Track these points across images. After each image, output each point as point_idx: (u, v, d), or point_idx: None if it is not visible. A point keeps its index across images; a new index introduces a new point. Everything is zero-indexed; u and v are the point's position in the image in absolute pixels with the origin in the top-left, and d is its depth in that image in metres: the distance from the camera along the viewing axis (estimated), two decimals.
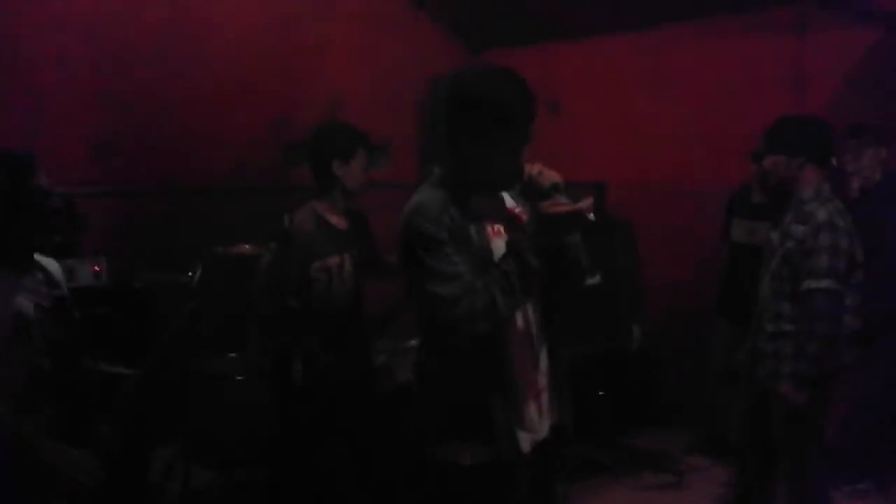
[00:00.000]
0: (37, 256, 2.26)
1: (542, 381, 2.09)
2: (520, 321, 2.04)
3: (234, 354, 3.78)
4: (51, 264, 2.31)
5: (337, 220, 3.00)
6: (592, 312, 3.92)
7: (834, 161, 3.06)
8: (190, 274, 2.71)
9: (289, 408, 2.91)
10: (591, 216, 1.88)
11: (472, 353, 1.97)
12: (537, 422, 2.07)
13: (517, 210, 2.12)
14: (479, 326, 1.89)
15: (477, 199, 2.03)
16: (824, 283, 2.75)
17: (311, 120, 4.95)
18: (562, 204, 1.91)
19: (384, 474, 3.13)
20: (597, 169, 4.80)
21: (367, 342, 3.15)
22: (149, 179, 4.33)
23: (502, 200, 2.12)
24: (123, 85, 4.24)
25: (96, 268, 3.26)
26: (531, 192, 2.00)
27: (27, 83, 3.94)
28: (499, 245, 2.02)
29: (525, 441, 2.03)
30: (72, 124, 3.94)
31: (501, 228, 2.06)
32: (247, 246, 3.62)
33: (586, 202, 1.89)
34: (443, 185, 2.02)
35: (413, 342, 3.94)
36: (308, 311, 2.89)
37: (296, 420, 2.89)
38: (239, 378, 3.58)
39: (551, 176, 1.98)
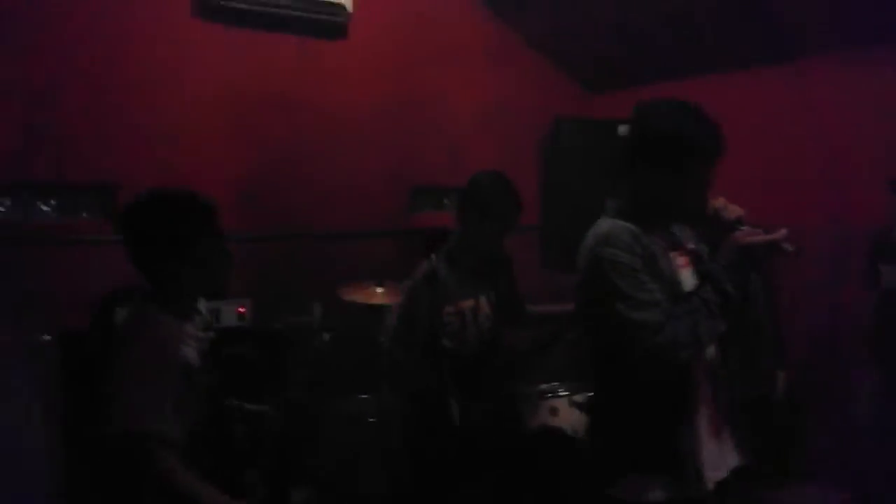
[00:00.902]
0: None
1: (721, 418, 2.03)
2: (708, 356, 2.00)
3: (365, 396, 3.81)
4: (202, 306, 2.31)
5: (472, 264, 2.96)
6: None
7: None
8: (312, 317, 2.73)
9: (429, 449, 2.85)
10: (788, 246, 1.83)
11: (660, 387, 1.93)
12: (717, 460, 2.01)
13: (690, 246, 2.09)
14: (682, 354, 1.85)
15: (658, 233, 2.03)
16: None
17: (432, 164, 5.05)
18: (757, 233, 1.87)
19: None
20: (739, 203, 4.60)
21: (505, 385, 3.08)
22: (283, 225, 4.46)
23: (678, 235, 2.11)
24: (256, 134, 4.41)
25: (240, 309, 3.35)
26: (715, 226, 1.98)
27: (167, 127, 4.15)
28: (686, 276, 1.99)
29: (709, 480, 1.97)
30: (208, 171, 4.11)
31: (685, 260, 2.03)
32: (378, 289, 3.67)
33: (780, 233, 1.85)
34: (624, 217, 2.02)
35: (544, 386, 3.88)
36: (441, 353, 2.86)
37: (436, 462, 2.84)
38: (371, 420, 3.60)
39: (735, 209, 1.97)
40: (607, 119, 5.15)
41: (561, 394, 3.79)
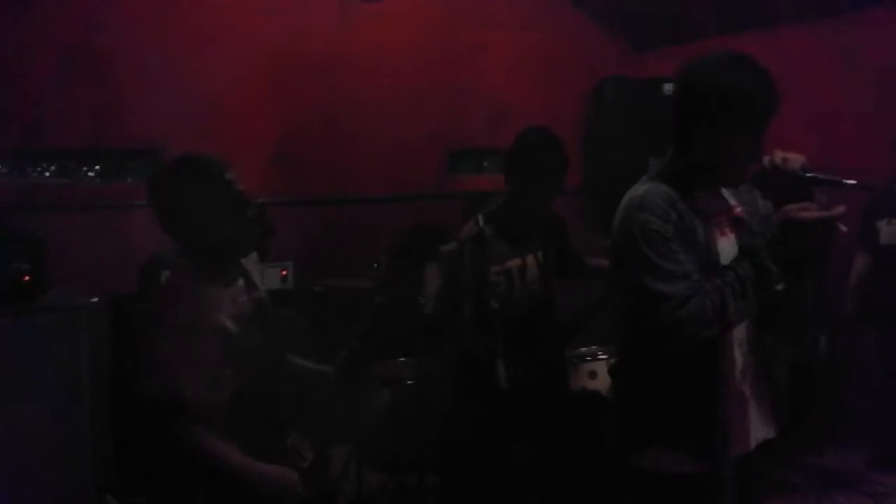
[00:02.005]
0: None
1: (748, 390, 1.97)
2: (737, 327, 1.92)
3: (404, 359, 3.84)
4: (250, 265, 2.29)
5: (520, 225, 2.91)
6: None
7: None
8: (375, 265, 2.69)
9: (474, 411, 2.85)
10: (843, 226, 1.73)
11: (686, 358, 1.87)
12: (744, 433, 1.95)
13: (738, 209, 2.00)
14: (706, 330, 1.78)
15: (701, 196, 1.93)
16: None
17: (472, 127, 5.01)
18: (811, 209, 1.76)
19: (564, 482, 3.07)
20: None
21: (556, 346, 3.04)
22: (323, 189, 4.49)
23: (725, 199, 2.00)
24: (297, 97, 4.42)
25: (283, 272, 3.40)
26: (777, 183, 1.88)
27: (208, 92, 4.18)
28: (724, 246, 1.91)
29: (734, 452, 1.93)
30: (250, 136, 4.14)
31: (727, 228, 1.95)
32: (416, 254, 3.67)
33: (838, 209, 1.74)
34: (664, 180, 1.92)
35: (583, 349, 3.88)
36: (488, 315, 2.85)
37: (482, 423, 2.84)
38: (409, 382, 3.64)
39: (796, 158, 1.83)
40: (653, 77, 5.04)
41: (600, 357, 3.78)
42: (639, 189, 1.92)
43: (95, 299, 3.08)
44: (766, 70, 1.83)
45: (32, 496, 2.88)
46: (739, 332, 1.94)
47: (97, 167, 4.10)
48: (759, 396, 1.99)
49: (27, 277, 3.02)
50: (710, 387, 1.89)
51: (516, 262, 2.88)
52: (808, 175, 1.81)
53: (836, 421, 4.46)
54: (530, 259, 2.90)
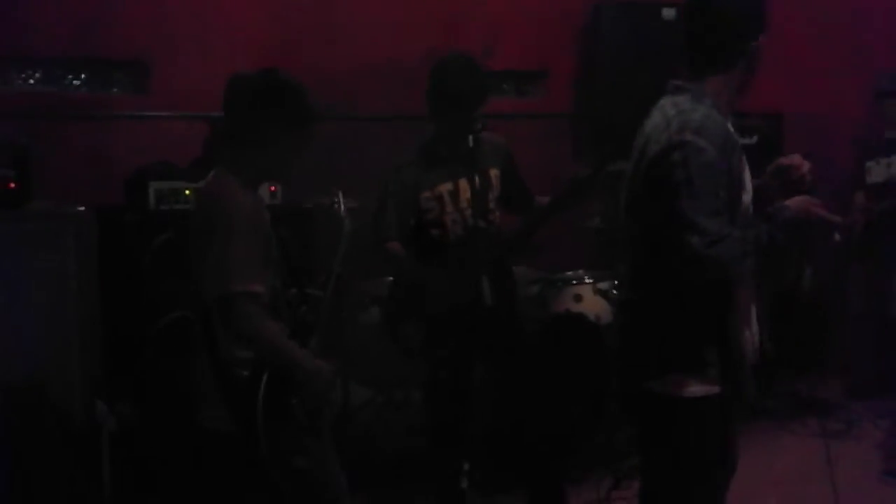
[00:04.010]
0: None
1: (753, 317, 2.05)
2: None
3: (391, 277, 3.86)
4: None
5: (445, 148, 2.90)
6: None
7: None
8: (335, 200, 2.76)
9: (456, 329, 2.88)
10: (837, 236, 1.88)
11: (705, 288, 1.91)
12: (749, 357, 2.04)
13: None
14: (724, 274, 1.84)
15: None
16: None
17: (467, 49, 4.89)
18: (818, 206, 1.84)
19: (548, 403, 3.14)
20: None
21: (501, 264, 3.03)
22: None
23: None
24: (286, 9, 4.31)
25: (272, 188, 3.39)
26: (776, 181, 2.03)
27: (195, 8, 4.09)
28: (747, 182, 1.98)
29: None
30: (238, 47, 4.05)
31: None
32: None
33: (838, 218, 1.86)
34: (709, 105, 1.93)
35: (569, 273, 3.91)
36: (425, 239, 2.90)
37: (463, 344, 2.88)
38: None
39: (804, 164, 2.00)
40: (650, 2, 4.94)
41: (586, 281, 3.82)
42: (693, 115, 1.88)
43: (82, 208, 3.07)
44: None
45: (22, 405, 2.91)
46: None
47: (83, 76, 4.02)
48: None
49: (12, 185, 2.99)
50: (727, 314, 1.94)
51: (447, 186, 2.88)
52: (809, 191, 1.90)
53: (816, 350, 4.57)
54: (463, 183, 2.90)
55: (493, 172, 2.94)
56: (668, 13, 4.89)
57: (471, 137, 2.82)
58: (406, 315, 2.92)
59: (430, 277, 2.85)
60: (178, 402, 2.84)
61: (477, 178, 2.89)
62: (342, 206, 2.74)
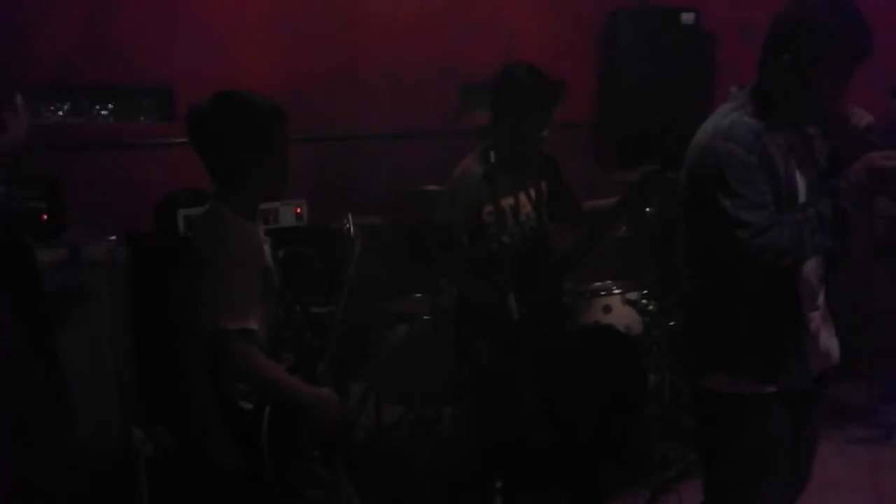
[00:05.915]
0: None
1: (817, 321, 2.07)
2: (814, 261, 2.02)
3: (420, 295, 3.87)
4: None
5: (511, 163, 2.87)
6: None
7: None
8: (346, 223, 2.76)
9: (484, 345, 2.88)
10: None
11: (764, 286, 1.95)
12: (814, 359, 2.06)
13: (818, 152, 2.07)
14: (781, 260, 1.87)
15: (785, 133, 1.98)
16: None
17: (486, 61, 4.91)
18: (893, 156, 1.85)
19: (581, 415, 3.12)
20: None
21: (554, 282, 3.05)
22: (335, 127, 4.46)
23: (802, 138, 2.04)
24: (307, 33, 4.36)
25: (297, 210, 3.42)
26: (840, 130, 1.96)
27: (219, 31, 4.15)
28: (800, 183, 1.98)
29: (811, 374, 2.05)
30: (260, 73, 4.10)
31: (807, 165, 2.01)
32: (433, 186, 3.67)
33: None
34: (746, 111, 1.97)
35: (597, 284, 3.89)
36: (483, 253, 2.87)
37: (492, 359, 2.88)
38: (426, 318, 3.67)
39: (864, 115, 1.94)
40: (669, 7, 4.93)
41: (614, 292, 3.80)
42: (724, 121, 1.96)
43: (113, 237, 3.12)
44: (858, 12, 1.87)
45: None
46: (815, 266, 2.02)
47: (110, 106, 4.09)
48: (827, 328, 2.10)
49: (45, 216, 3.05)
50: (784, 315, 1.98)
51: (509, 200, 2.87)
52: (872, 138, 1.90)
53: (848, 354, 4.48)
54: (523, 197, 2.89)
55: (544, 184, 2.96)
56: (687, 18, 4.88)
57: (534, 148, 2.82)
58: (481, 331, 2.88)
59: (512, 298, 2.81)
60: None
61: (533, 192, 2.90)
62: (352, 227, 2.74)
